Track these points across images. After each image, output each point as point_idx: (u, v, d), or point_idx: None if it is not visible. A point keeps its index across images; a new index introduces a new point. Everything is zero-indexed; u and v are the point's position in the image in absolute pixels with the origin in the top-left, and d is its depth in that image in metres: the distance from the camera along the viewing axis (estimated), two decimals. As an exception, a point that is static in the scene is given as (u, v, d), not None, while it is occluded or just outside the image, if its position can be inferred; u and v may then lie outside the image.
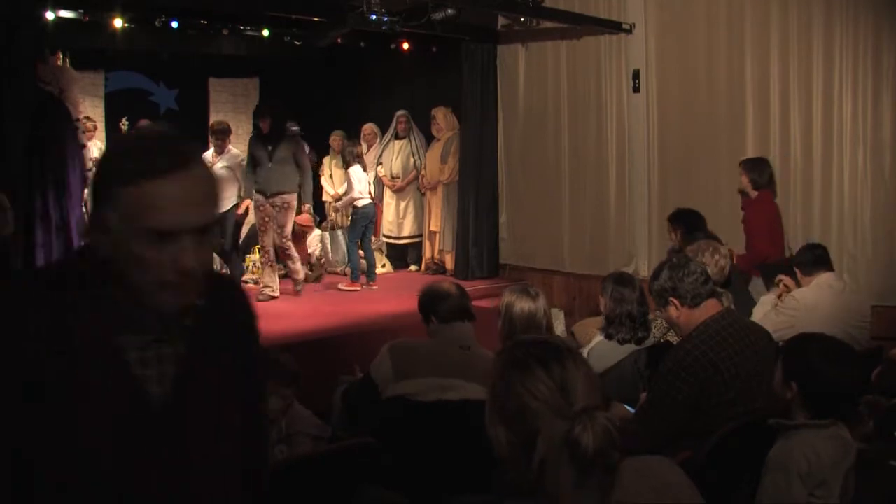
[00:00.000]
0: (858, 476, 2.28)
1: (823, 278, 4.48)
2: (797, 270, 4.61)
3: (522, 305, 3.42)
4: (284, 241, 7.16)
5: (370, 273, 7.77)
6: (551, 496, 1.44)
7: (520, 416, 1.49)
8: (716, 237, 5.33)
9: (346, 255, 8.00)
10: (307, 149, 8.87)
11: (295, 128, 7.35)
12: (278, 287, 7.22)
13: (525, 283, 3.70)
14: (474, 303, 3.48)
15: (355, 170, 7.62)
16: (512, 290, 3.53)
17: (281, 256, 7.37)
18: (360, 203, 7.63)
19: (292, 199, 7.14)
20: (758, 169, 5.72)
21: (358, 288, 7.64)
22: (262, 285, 7.19)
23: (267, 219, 7.07)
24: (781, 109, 6.08)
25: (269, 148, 7.03)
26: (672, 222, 5.46)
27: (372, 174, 8.99)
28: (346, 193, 7.91)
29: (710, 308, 3.04)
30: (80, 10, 6.52)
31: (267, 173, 6.99)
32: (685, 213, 5.46)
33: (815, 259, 4.56)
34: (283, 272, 7.57)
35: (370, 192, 7.90)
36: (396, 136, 8.77)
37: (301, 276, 7.47)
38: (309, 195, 7.61)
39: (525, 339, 1.66)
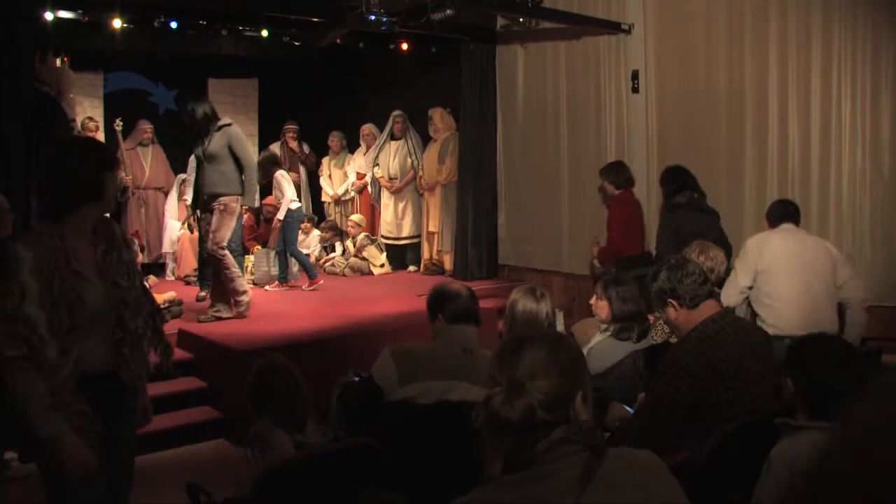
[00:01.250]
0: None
1: (784, 226, 4.62)
2: (766, 222, 4.75)
3: (525, 304, 3.45)
4: (216, 248, 6.12)
5: (285, 275, 7.83)
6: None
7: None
8: (702, 193, 5.61)
9: (278, 261, 7.82)
10: (304, 152, 8.74)
11: (228, 121, 6.32)
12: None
13: (534, 285, 3.74)
14: (472, 303, 3.50)
15: (283, 174, 7.79)
16: (519, 289, 3.58)
17: (217, 267, 6.25)
18: (292, 206, 7.71)
19: (231, 201, 6.15)
20: (615, 172, 6.24)
21: (321, 281, 7.71)
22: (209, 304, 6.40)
23: (208, 226, 6.19)
24: (780, 110, 6.08)
25: (203, 144, 6.18)
26: (660, 184, 5.71)
27: (369, 175, 9.02)
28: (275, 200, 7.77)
29: (708, 308, 3.05)
30: (80, 11, 6.51)
31: (202, 174, 6.19)
32: (671, 172, 5.70)
33: (785, 213, 4.66)
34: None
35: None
36: (392, 137, 8.79)
37: (245, 298, 6.32)
38: (252, 197, 6.56)
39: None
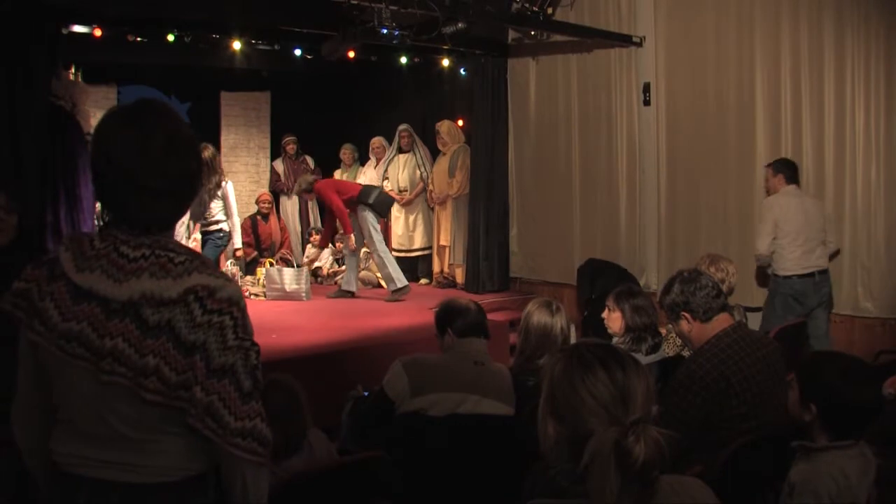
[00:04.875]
0: (879, 491, 2.26)
1: (790, 188, 5.56)
2: (773, 171, 5.65)
3: (540, 318, 3.45)
4: None
5: None
6: (591, 499, 1.45)
7: (573, 413, 1.51)
8: None
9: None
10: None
11: None
12: None
13: (550, 298, 3.73)
14: (484, 315, 3.50)
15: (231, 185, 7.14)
16: (535, 302, 3.58)
17: None
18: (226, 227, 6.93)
19: None
20: (304, 182, 7.74)
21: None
22: None
23: None
24: (793, 121, 6.07)
25: None
26: None
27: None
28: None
29: (721, 322, 3.04)
30: (93, 25, 6.56)
31: None
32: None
33: (792, 176, 5.59)
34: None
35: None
36: (400, 151, 8.81)
37: None
38: None
39: (592, 341, 1.67)
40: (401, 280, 7.61)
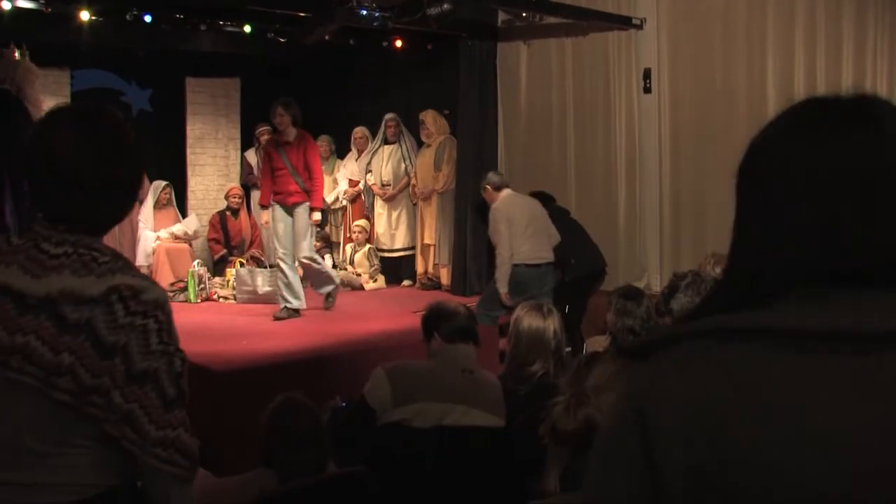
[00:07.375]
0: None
1: (505, 192, 6.50)
2: (488, 188, 6.55)
3: (531, 322, 3.43)
4: None
5: None
6: None
7: None
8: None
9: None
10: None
11: None
12: None
13: (540, 301, 3.72)
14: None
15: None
16: (524, 305, 3.57)
17: None
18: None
19: None
20: None
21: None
22: None
23: None
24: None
25: None
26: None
27: (362, 182, 8.99)
28: None
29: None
30: (42, 1, 6.46)
31: None
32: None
33: (502, 181, 6.58)
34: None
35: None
36: (385, 142, 8.75)
37: None
38: None
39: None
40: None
